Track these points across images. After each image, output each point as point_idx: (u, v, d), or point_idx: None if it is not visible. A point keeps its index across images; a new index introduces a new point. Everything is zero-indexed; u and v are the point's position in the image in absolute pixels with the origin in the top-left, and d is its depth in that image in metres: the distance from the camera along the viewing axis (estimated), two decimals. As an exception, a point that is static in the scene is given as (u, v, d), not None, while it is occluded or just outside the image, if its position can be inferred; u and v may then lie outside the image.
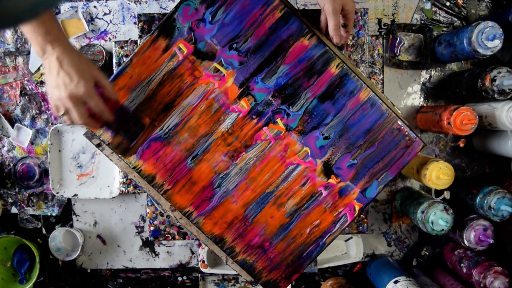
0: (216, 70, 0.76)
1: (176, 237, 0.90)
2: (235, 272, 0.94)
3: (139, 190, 0.94)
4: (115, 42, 0.92)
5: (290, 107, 0.77)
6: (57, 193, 1.01)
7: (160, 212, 0.90)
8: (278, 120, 0.77)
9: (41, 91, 1.04)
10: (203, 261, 1.00)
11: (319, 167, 0.78)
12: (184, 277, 1.07)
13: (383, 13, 1.02)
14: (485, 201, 0.88)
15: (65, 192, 1.01)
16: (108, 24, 1.03)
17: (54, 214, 1.05)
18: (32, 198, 1.05)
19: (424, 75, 1.02)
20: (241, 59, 0.76)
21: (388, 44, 1.01)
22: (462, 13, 1.02)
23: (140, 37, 0.86)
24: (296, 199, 0.79)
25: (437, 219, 0.86)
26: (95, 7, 1.02)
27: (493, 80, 0.86)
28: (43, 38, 0.63)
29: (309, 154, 0.78)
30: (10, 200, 1.05)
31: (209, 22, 0.76)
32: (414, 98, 1.03)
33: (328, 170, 0.78)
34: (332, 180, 0.78)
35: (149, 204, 0.89)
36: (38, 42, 0.63)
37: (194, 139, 0.77)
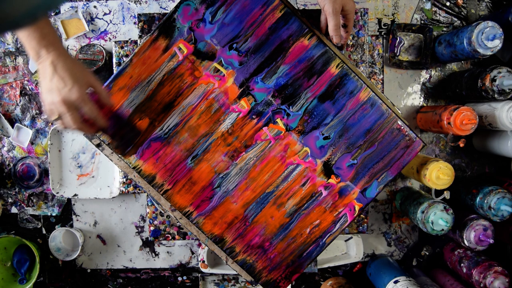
0: (216, 70, 0.76)
1: (176, 237, 0.90)
2: (235, 272, 0.94)
3: (139, 190, 0.94)
4: (115, 42, 0.92)
5: (290, 107, 0.77)
6: (57, 193, 1.01)
7: (160, 212, 0.90)
8: (278, 120, 0.77)
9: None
10: (203, 261, 1.00)
11: (319, 167, 0.78)
12: (184, 277, 1.07)
13: (383, 13, 1.02)
14: (485, 201, 0.88)
15: (65, 192, 1.01)
16: (108, 24, 1.03)
17: (54, 214, 1.05)
18: (32, 198, 1.05)
19: (424, 75, 1.02)
20: (241, 59, 0.76)
21: (388, 44, 1.01)
22: (462, 13, 1.02)
23: (140, 37, 0.86)
24: (296, 199, 0.79)
25: (437, 219, 0.86)
26: (95, 7, 1.02)
27: (493, 80, 0.86)
28: (38, 43, 0.62)
29: (309, 154, 0.78)
30: (10, 200, 1.05)
31: (209, 22, 0.76)
32: (414, 98, 1.03)
33: (328, 170, 0.78)
34: (332, 180, 0.78)
35: (149, 204, 0.89)
36: (33, 47, 0.63)
37: (194, 139, 0.77)
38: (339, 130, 0.78)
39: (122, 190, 0.94)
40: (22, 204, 1.05)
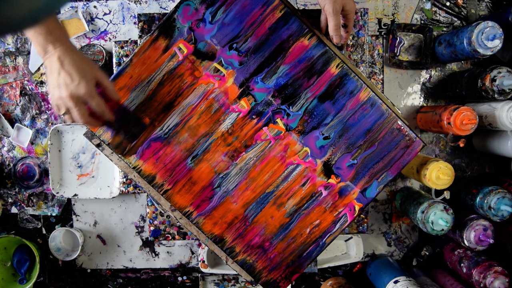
0: (216, 70, 0.76)
1: (176, 237, 0.90)
2: (235, 272, 0.94)
3: (139, 190, 0.94)
4: (115, 42, 0.92)
5: (290, 107, 0.77)
6: (57, 193, 1.01)
7: (160, 212, 0.90)
8: (278, 120, 0.77)
9: (41, 91, 1.04)
10: (203, 261, 1.00)
11: (319, 167, 0.78)
12: (184, 277, 1.07)
13: (383, 13, 1.02)
14: (485, 201, 0.88)
15: (65, 192, 1.01)
16: (108, 24, 1.03)
17: (54, 214, 1.05)
18: (32, 198, 1.05)
19: (424, 75, 1.02)
20: (241, 59, 0.76)
21: (388, 44, 1.01)
22: (462, 13, 1.02)
23: (140, 37, 0.86)
24: (296, 199, 0.79)
25: (437, 219, 0.86)
26: (95, 7, 1.02)
27: (493, 80, 0.86)
28: (44, 38, 0.63)
29: (309, 154, 0.78)
30: (10, 200, 1.05)
31: (209, 22, 0.76)
32: (414, 98, 1.03)
33: (328, 170, 0.78)
34: (332, 180, 0.78)
35: (149, 204, 0.89)
36: (40, 42, 0.63)
37: (194, 139, 0.77)
38: (339, 130, 0.78)
39: (122, 190, 0.94)
40: (22, 204, 1.05)
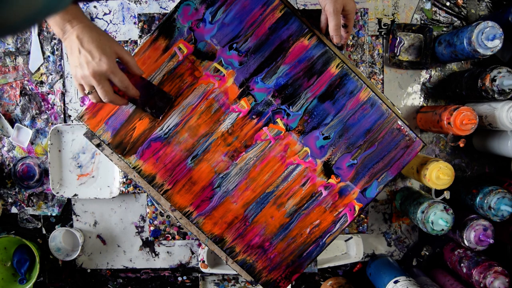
0: (216, 70, 0.76)
1: (176, 237, 0.90)
2: (235, 272, 0.94)
3: (139, 190, 0.94)
4: (115, 42, 0.92)
5: (290, 107, 0.77)
6: (57, 193, 1.01)
7: (160, 212, 0.90)
8: (278, 120, 0.77)
9: (41, 91, 1.04)
10: (203, 261, 1.00)
11: (319, 167, 0.78)
12: (184, 277, 1.07)
13: (383, 13, 1.02)
14: (485, 201, 0.88)
15: (65, 192, 1.01)
16: (108, 24, 1.02)
17: (54, 214, 1.05)
18: (32, 198, 1.05)
19: (424, 75, 1.02)
20: (241, 59, 0.76)
21: (388, 44, 1.01)
22: (462, 13, 1.02)
23: (140, 37, 0.86)
24: (296, 199, 0.79)
25: (437, 219, 0.86)
26: (95, 7, 1.02)
27: (493, 80, 0.86)
28: (61, 18, 0.62)
29: (309, 154, 0.78)
30: (10, 200, 1.05)
31: (209, 22, 0.76)
32: (414, 98, 1.03)
33: (328, 170, 0.78)
34: (332, 180, 0.78)
35: (149, 204, 0.89)
36: (57, 22, 0.63)
37: (194, 139, 0.77)
38: (339, 130, 0.78)
39: (122, 190, 0.94)
40: (22, 204, 1.05)
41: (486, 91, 0.87)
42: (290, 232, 0.79)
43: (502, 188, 0.88)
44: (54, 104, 1.03)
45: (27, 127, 1.03)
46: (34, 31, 1.02)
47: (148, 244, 1.06)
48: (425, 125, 0.98)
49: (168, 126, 0.77)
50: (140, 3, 1.02)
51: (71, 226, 1.06)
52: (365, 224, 0.91)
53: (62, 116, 1.04)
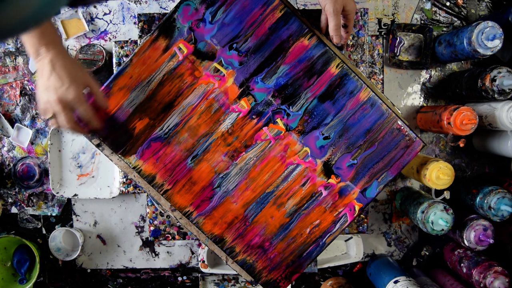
0: (216, 70, 0.76)
1: (176, 237, 0.90)
2: (235, 272, 0.94)
3: (139, 190, 0.94)
4: (115, 42, 0.92)
5: (290, 107, 0.77)
6: (57, 193, 1.01)
7: (160, 212, 0.90)
8: (278, 120, 0.77)
9: (41, 91, 1.03)
10: (203, 261, 1.00)
11: (319, 167, 0.78)
12: (184, 277, 1.07)
13: (383, 13, 1.02)
14: (485, 201, 0.88)
15: (65, 192, 1.01)
16: (108, 24, 1.03)
17: (54, 214, 1.05)
18: (32, 198, 1.05)
19: (424, 75, 1.02)
20: (241, 59, 0.76)
21: (388, 44, 1.01)
22: (462, 13, 1.02)
23: (140, 37, 0.86)
24: (296, 199, 0.79)
25: (437, 219, 0.86)
26: (95, 7, 1.02)
27: (493, 80, 0.86)
28: (37, 41, 0.62)
29: (309, 154, 0.78)
30: (10, 200, 1.05)
31: (209, 22, 0.76)
32: (414, 98, 1.03)
33: (328, 170, 0.78)
34: (332, 180, 0.78)
35: (149, 204, 0.89)
36: (33, 44, 0.63)
37: (194, 139, 0.77)
38: (339, 130, 0.78)
39: (122, 190, 0.94)
40: (22, 204, 1.05)
41: (486, 91, 0.87)
42: (290, 232, 0.79)
43: (502, 188, 0.88)
44: (54, 104, 1.03)
45: (27, 127, 1.03)
46: (34, 31, 1.02)
47: (148, 244, 1.06)
48: (425, 125, 0.98)
49: (168, 126, 0.77)
50: (140, 3, 1.02)
51: (71, 226, 1.06)
52: (365, 224, 0.91)
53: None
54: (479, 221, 0.88)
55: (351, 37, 0.87)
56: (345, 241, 1.04)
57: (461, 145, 0.89)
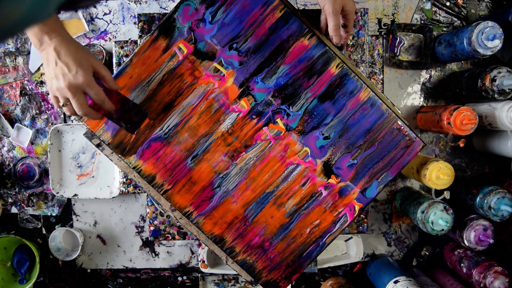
0: (216, 70, 0.76)
1: (176, 237, 0.90)
2: (235, 272, 0.94)
3: (139, 190, 0.94)
4: (115, 42, 0.92)
5: (290, 107, 0.77)
6: (57, 193, 1.01)
7: (160, 212, 0.90)
8: (278, 120, 0.77)
9: (41, 91, 1.04)
10: (203, 261, 1.00)
11: (319, 167, 0.78)
12: (184, 277, 1.07)
13: (383, 13, 1.02)
14: (485, 201, 0.88)
15: (65, 192, 1.01)
16: (108, 24, 1.03)
17: (54, 214, 1.05)
18: (32, 198, 1.05)
19: (424, 75, 1.02)
20: (241, 59, 0.76)
21: (388, 44, 1.01)
22: (462, 13, 1.02)
23: (140, 37, 0.86)
24: (296, 199, 0.79)
25: (437, 219, 0.86)
26: (95, 7, 1.02)
27: (493, 80, 0.86)
28: (39, 29, 0.62)
29: (309, 154, 0.78)
30: (10, 200, 1.05)
31: (209, 22, 0.76)
32: (414, 98, 1.03)
33: (328, 170, 0.78)
34: (332, 180, 0.78)
35: (149, 204, 0.89)
36: (35, 33, 0.62)
37: (194, 139, 0.77)
38: (339, 130, 0.78)
39: (122, 190, 0.94)
40: (22, 204, 1.05)
41: (486, 91, 0.87)
42: (290, 232, 0.79)
43: (502, 188, 0.88)
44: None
45: (27, 127, 1.03)
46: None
47: (148, 244, 1.06)
48: (425, 125, 0.98)
49: (168, 126, 0.77)
50: (140, 3, 1.02)
51: (71, 226, 1.06)
52: (365, 224, 0.91)
53: (62, 116, 1.04)
54: (479, 221, 0.88)
55: (351, 37, 0.87)
56: (345, 241, 1.04)
57: (461, 145, 0.89)
